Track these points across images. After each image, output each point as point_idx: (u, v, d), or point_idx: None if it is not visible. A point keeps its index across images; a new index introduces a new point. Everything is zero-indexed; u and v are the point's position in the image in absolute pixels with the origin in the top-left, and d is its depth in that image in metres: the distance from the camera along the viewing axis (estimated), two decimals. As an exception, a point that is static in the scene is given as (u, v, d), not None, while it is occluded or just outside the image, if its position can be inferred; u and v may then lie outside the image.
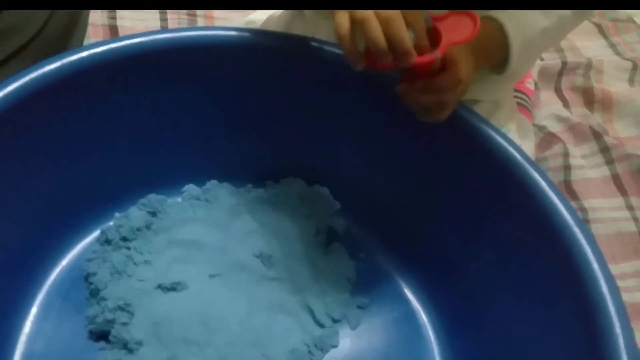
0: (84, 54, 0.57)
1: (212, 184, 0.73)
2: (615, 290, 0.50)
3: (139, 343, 0.60)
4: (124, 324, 0.60)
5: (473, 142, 0.59)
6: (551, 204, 0.54)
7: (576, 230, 0.53)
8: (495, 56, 0.60)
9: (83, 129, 0.62)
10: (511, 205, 0.58)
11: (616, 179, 0.91)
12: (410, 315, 0.68)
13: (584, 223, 0.54)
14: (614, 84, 1.06)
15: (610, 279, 0.50)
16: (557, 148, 0.93)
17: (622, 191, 0.90)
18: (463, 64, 0.52)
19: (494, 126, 0.59)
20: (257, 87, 0.66)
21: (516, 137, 0.70)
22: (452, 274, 0.67)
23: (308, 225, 0.71)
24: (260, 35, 0.63)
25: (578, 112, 1.01)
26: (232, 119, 0.69)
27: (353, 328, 0.66)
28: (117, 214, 0.69)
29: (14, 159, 0.57)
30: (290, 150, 0.72)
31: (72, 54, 0.57)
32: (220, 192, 0.72)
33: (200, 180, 0.73)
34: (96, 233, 0.68)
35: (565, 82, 1.05)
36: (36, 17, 0.69)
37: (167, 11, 1.05)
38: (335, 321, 0.66)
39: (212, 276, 0.66)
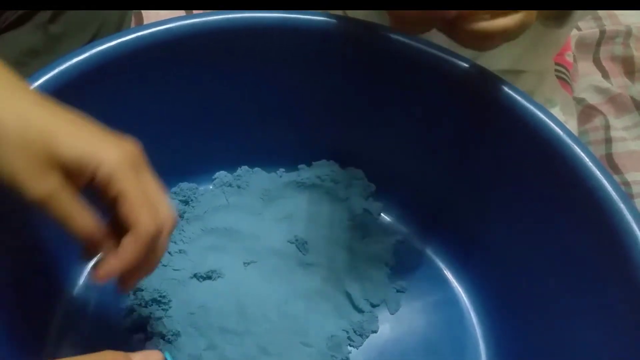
0: (112, 43, 0.56)
1: (243, 169, 0.71)
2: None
3: (177, 334, 0.60)
4: (159, 318, 0.60)
5: (513, 118, 0.57)
6: (595, 179, 0.52)
7: (622, 206, 0.50)
8: None
9: (113, 120, 0.61)
10: (554, 183, 0.56)
11: (660, 151, 0.88)
12: (451, 299, 0.66)
13: (629, 198, 0.51)
14: (655, 52, 1.03)
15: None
16: (597, 121, 0.90)
17: (667, 163, 0.87)
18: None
19: (533, 100, 0.56)
20: (289, 70, 0.64)
21: (559, 111, 0.68)
22: (493, 255, 0.65)
23: (343, 208, 0.69)
24: (294, 17, 0.61)
25: (618, 83, 0.97)
26: (264, 104, 0.67)
27: (392, 313, 0.65)
28: (149, 204, 0.68)
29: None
30: (322, 133, 0.70)
31: (100, 44, 0.56)
32: (252, 178, 0.71)
33: (231, 167, 0.72)
34: (130, 223, 0.68)
35: (604, 52, 1.02)
36: (91, 23, 0.73)
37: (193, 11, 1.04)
38: (374, 306, 0.65)
39: (246, 263, 0.65)
